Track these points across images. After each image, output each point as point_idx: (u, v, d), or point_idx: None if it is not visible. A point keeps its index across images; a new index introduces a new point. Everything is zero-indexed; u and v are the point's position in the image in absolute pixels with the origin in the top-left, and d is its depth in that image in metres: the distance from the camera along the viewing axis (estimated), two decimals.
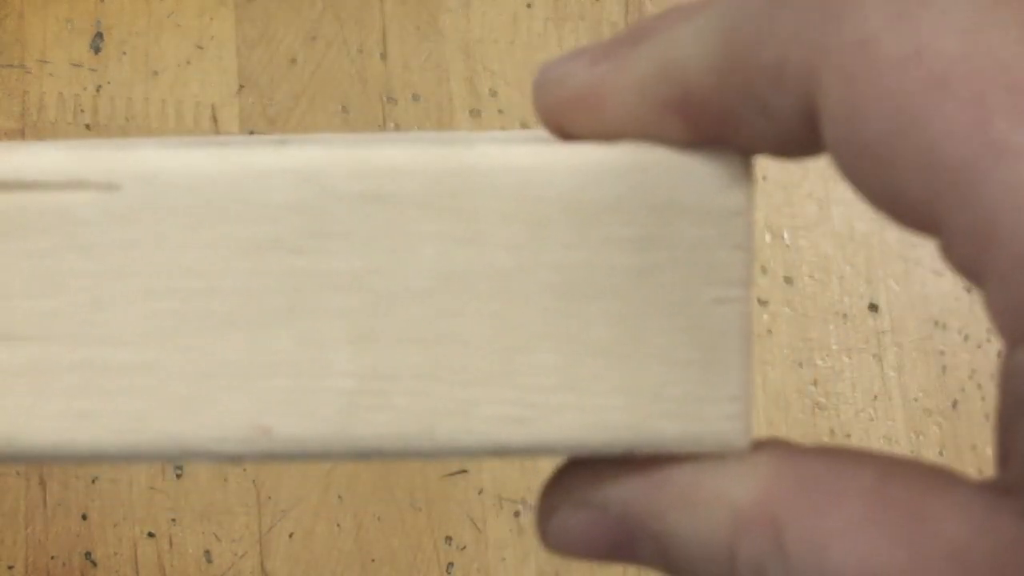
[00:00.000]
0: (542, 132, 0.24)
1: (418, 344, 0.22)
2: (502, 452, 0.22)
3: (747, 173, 0.22)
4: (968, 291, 0.58)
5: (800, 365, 0.57)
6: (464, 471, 0.53)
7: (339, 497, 0.52)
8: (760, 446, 0.22)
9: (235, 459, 0.22)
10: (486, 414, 0.22)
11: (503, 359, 0.22)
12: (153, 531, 0.50)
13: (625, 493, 0.22)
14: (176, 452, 0.22)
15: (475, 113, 0.58)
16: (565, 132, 0.23)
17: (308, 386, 0.22)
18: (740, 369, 0.22)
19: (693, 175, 0.22)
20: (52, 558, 0.49)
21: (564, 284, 0.22)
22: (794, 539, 0.21)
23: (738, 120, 0.21)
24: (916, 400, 0.57)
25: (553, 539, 0.23)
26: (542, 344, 0.22)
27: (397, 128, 0.57)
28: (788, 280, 0.58)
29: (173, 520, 0.51)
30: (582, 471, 0.23)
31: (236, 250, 0.22)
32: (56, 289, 0.22)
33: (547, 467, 0.24)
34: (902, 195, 0.19)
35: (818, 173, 0.59)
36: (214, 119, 0.56)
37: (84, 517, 0.50)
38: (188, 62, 0.57)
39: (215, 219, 0.22)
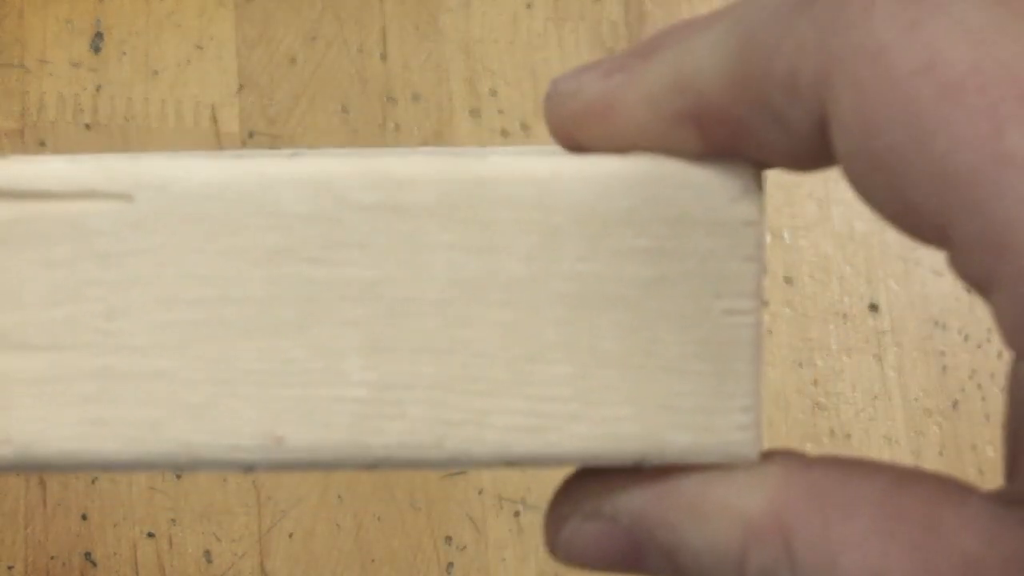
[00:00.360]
0: (551, 145, 0.24)
1: (431, 354, 0.22)
2: (513, 462, 0.22)
3: (758, 185, 0.22)
4: (968, 291, 0.58)
5: (800, 365, 0.57)
6: (464, 471, 0.53)
7: (339, 497, 0.52)
8: (769, 456, 0.22)
9: (247, 468, 0.22)
10: (498, 424, 0.22)
11: (515, 369, 0.22)
12: (153, 531, 0.50)
13: (635, 503, 0.22)
14: (189, 461, 0.22)
15: (475, 113, 0.58)
16: (577, 144, 0.23)
17: (321, 395, 0.22)
18: (750, 380, 0.22)
19: (705, 187, 0.22)
20: (52, 558, 0.49)
21: (576, 295, 0.22)
22: (804, 549, 0.21)
23: (751, 131, 0.21)
24: (916, 400, 0.57)
25: (563, 550, 0.23)
26: (554, 355, 0.22)
27: (397, 128, 0.57)
28: (788, 280, 0.58)
29: (173, 520, 0.51)
30: (591, 481, 0.23)
31: (250, 259, 0.22)
32: (71, 298, 0.22)
33: (549, 469, 0.24)
34: (912, 206, 0.19)
35: (818, 173, 0.59)
36: (214, 119, 0.56)
37: (84, 517, 0.50)
38: (188, 62, 0.56)
39: (229, 228, 0.22)
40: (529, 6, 0.59)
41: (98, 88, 0.56)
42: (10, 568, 0.49)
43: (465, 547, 0.52)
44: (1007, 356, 0.20)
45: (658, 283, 0.22)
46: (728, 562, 0.21)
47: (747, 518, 0.21)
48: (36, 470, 0.22)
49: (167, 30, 0.56)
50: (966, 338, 0.58)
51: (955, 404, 0.58)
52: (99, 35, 0.56)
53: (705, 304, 0.22)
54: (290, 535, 0.51)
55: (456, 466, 0.22)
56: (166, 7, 0.57)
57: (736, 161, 0.22)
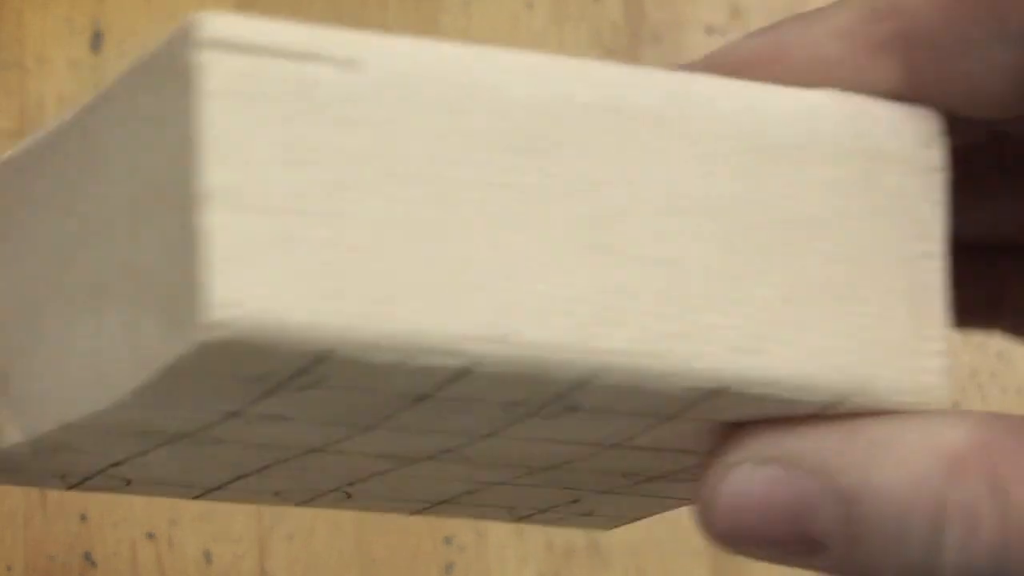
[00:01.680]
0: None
1: (648, 263, 0.21)
2: (724, 387, 0.21)
3: (946, 134, 0.23)
4: None
5: None
6: None
7: None
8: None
9: (475, 363, 0.21)
10: (718, 341, 0.21)
11: (732, 288, 0.22)
12: (153, 532, 0.50)
13: (821, 444, 0.21)
14: (415, 349, 0.20)
15: None
16: None
17: (547, 293, 0.21)
18: (943, 324, 0.22)
19: (899, 127, 0.22)
20: (51, 559, 0.49)
21: (782, 221, 0.22)
22: (1016, 485, 0.20)
23: (964, 56, 0.20)
24: None
25: (725, 503, 0.22)
26: (766, 278, 0.22)
27: None
28: None
29: (173, 521, 0.51)
30: (763, 428, 0.22)
31: (476, 146, 0.21)
32: (299, 161, 0.20)
33: (752, 399, 0.23)
34: None
35: None
36: None
37: (83, 518, 0.50)
38: None
39: (457, 113, 0.21)
40: (529, 6, 0.59)
41: (97, 88, 0.56)
42: (9, 568, 0.49)
43: (465, 547, 0.52)
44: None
45: (858, 218, 0.22)
46: (924, 501, 0.20)
47: (949, 452, 0.20)
48: (253, 353, 0.20)
49: (167, 29, 0.56)
50: (966, 338, 0.58)
51: (955, 404, 0.57)
52: (98, 34, 0.56)
53: (901, 245, 0.22)
54: (290, 535, 0.51)
55: (671, 382, 0.21)
56: (166, 6, 0.57)
57: (925, 108, 0.22)
